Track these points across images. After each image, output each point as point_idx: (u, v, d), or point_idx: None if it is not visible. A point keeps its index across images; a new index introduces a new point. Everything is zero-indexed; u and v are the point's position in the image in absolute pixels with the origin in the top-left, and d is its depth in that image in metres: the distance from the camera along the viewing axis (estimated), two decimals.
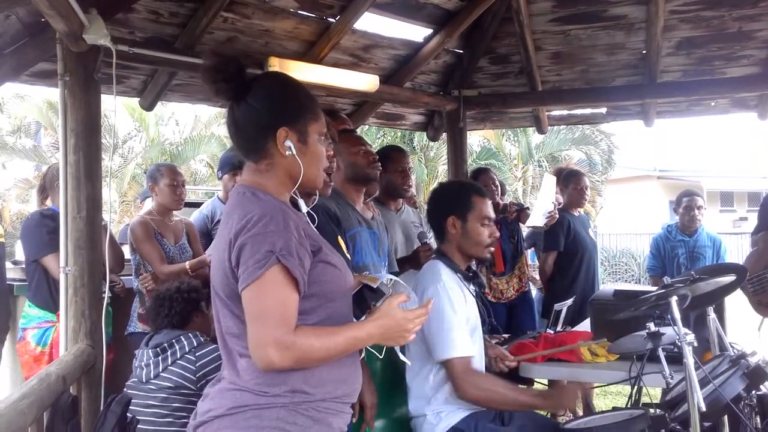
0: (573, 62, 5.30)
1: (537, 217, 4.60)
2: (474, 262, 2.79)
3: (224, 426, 1.63)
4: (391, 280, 1.85)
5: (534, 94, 5.47)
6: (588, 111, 6.03)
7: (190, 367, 2.87)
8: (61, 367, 2.86)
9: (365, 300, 1.85)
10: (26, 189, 18.58)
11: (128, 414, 2.73)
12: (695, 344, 2.25)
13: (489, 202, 2.75)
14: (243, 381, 1.64)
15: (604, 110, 5.92)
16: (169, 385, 2.86)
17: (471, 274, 2.71)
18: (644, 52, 5.04)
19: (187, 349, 2.91)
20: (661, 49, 4.94)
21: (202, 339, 2.99)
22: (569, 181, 5.06)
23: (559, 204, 4.96)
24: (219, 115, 19.96)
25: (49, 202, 3.79)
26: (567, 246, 4.91)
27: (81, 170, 3.14)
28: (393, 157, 3.79)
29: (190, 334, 2.97)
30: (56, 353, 3.56)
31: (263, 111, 1.72)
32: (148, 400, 2.87)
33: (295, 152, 1.72)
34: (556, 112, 6.13)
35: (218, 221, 4.12)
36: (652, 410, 2.86)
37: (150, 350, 2.94)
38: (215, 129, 19.81)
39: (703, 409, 2.12)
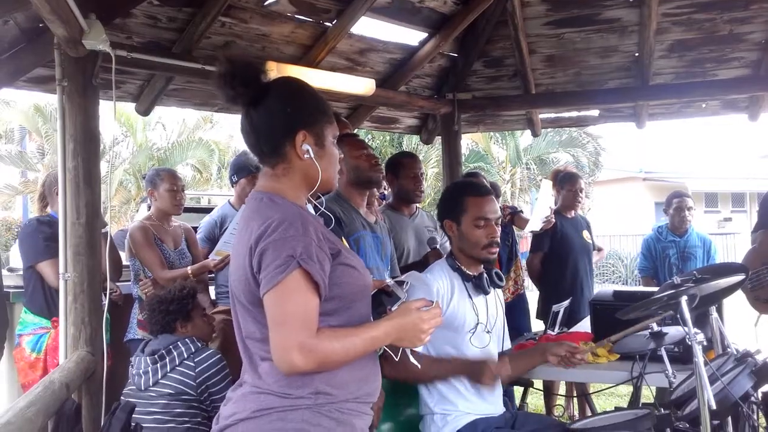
0: (566, 65, 5.34)
1: (535, 223, 4.66)
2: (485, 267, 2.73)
3: (249, 429, 1.63)
4: (407, 284, 1.85)
5: (527, 96, 5.50)
6: (581, 113, 6.07)
7: (190, 373, 2.87)
8: (64, 374, 2.84)
9: (382, 304, 1.85)
10: (12, 196, 18.42)
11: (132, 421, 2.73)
12: (705, 343, 2.27)
13: (486, 201, 2.65)
14: (266, 384, 1.64)
15: (596, 112, 5.96)
16: (170, 391, 2.86)
17: (475, 276, 2.67)
18: (637, 54, 5.08)
19: (185, 356, 2.91)
20: (653, 51, 4.98)
21: (199, 344, 2.99)
22: (564, 183, 5.10)
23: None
24: (206, 119, 19.93)
25: (49, 210, 3.76)
26: (554, 248, 4.92)
27: (80, 176, 3.13)
28: (405, 163, 3.86)
29: (187, 340, 2.97)
30: (51, 360, 3.54)
31: (282, 114, 1.73)
32: (149, 407, 2.86)
33: (312, 155, 1.73)
34: (549, 115, 6.16)
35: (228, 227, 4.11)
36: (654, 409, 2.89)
37: (147, 357, 2.93)
38: (202, 134, 19.77)
39: (714, 407, 2.13)
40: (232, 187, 4.28)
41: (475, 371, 2.52)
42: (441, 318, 1.76)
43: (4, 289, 3.90)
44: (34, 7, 2.66)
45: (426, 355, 2.53)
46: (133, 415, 2.79)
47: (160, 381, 2.87)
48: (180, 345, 2.94)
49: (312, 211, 1.84)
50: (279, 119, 1.73)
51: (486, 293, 2.69)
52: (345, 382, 1.68)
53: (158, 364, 2.90)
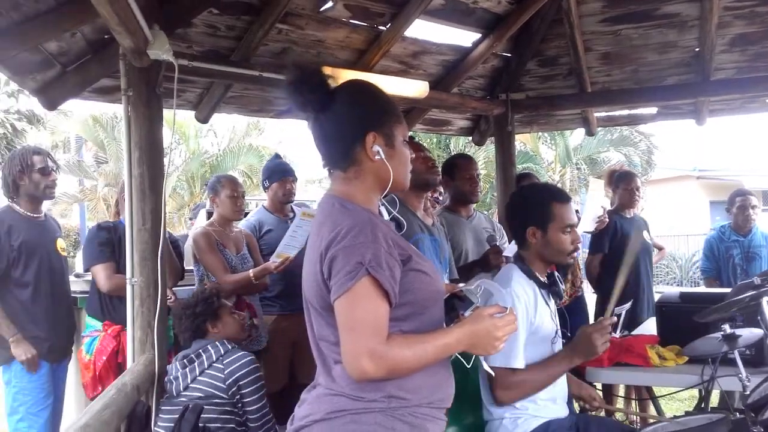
0: (623, 62, 5.21)
1: (587, 223, 4.58)
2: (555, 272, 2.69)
3: (323, 430, 1.64)
4: (480, 288, 1.83)
5: (583, 95, 5.38)
6: (638, 111, 5.93)
7: (219, 375, 2.87)
8: (134, 376, 2.92)
9: (454, 309, 1.84)
10: (69, 204, 18.98)
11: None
12: None
13: (570, 207, 2.61)
14: (339, 386, 1.66)
15: (654, 110, 5.82)
16: (200, 395, 2.86)
17: (549, 282, 2.62)
18: (697, 49, 4.94)
19: (214, 358, 2.92)
20: (714, 46, 4.83)
21: (229, 346, 3.00)
22: (620, 182, 5.01)
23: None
24: (254, 126, 20.20)
25: (121, 216, 3.87)
26: (614, 248, 4.81)
27: (145, 183, 3.20)
28: (460, 164, 3.86)
29: (217, 343, 2.99)
30: (98, 362, 3.63)
31: (350, 117, 1.74)
32: None
33: (383, 156, 1.73)
34: (604, 113, 6.05)
35: (266, 231, 4.18)
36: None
37: (177, 363, 2.98)
38: (252, 140, 20.04)
39: None
40: (265, 191, 4.33)
41: (582, 346, 2.42)
42: (515, 325, 1.73)
43: (72, 295, 4.03)
44: (102, 19, 2.72)
45: (531, 364, 2.46)
46: (165, 424, 2.85)
47: (191, 385, 2.89)
48: (210, 348, 2.96)
49: (385, 214, 1.84)
50: (348, 123, 1.74)
51: (560, 298, 2.66)
52: (418, 387, 1.67)
53: (187, 369, 2.93)
